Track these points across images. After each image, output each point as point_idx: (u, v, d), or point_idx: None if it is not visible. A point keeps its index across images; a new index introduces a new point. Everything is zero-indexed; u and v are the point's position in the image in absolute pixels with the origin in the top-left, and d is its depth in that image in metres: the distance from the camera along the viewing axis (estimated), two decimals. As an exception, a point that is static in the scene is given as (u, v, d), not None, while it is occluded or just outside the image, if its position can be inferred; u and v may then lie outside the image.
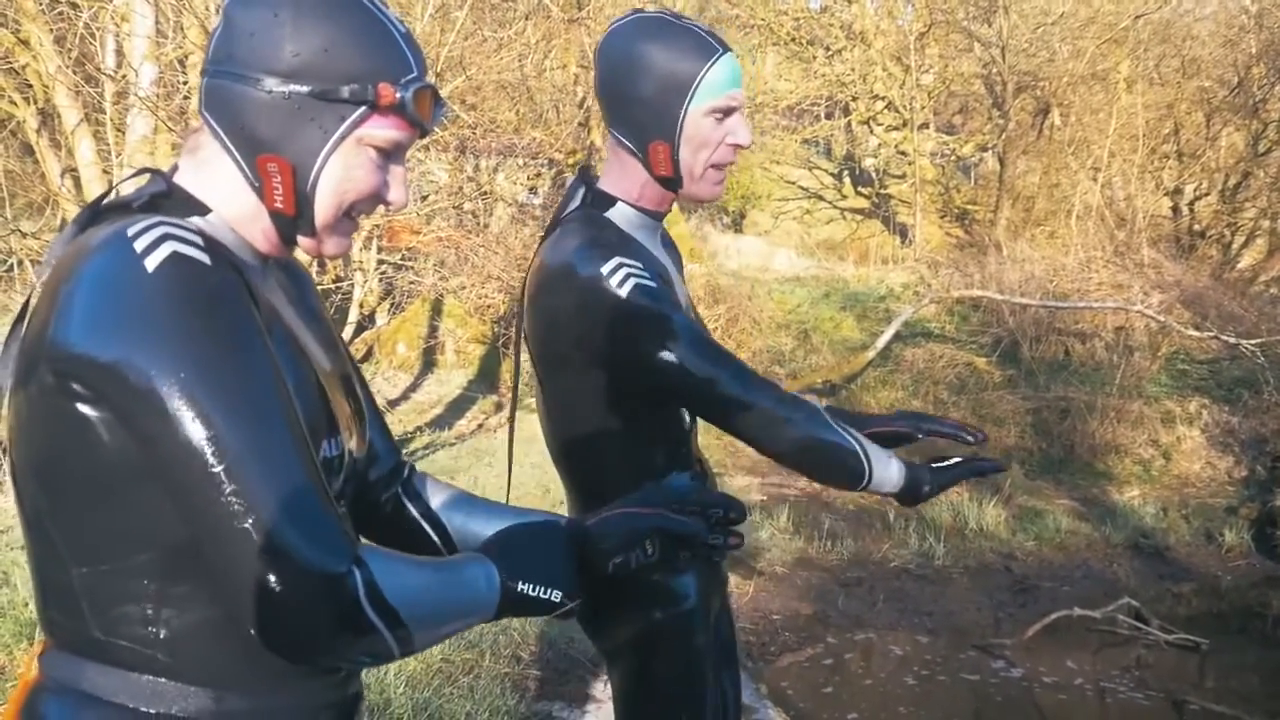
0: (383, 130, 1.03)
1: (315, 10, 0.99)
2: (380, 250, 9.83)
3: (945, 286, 11.86)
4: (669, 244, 1.78)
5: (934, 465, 1.59)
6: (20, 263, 7.21)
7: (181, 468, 0.88)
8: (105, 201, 1.01)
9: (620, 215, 1.61)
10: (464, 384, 9.90)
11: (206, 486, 0.87)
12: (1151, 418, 9.44)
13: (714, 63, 1.53)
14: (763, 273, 14.38)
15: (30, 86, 7.03)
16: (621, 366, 1.52)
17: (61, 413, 0.90)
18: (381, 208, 1.10)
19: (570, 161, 11.03)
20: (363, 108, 1.01)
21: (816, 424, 1.50)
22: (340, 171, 1.03)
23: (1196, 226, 14.81)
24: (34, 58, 6.49)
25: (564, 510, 1.71)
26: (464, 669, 3.60)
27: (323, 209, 1.04)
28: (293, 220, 1.04)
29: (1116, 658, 5.66)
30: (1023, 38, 15.50)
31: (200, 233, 0.95)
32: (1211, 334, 9.61)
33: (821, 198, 19.55)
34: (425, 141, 7.72)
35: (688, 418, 1.70)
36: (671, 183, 1.59)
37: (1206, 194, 14.96)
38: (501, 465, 7.15)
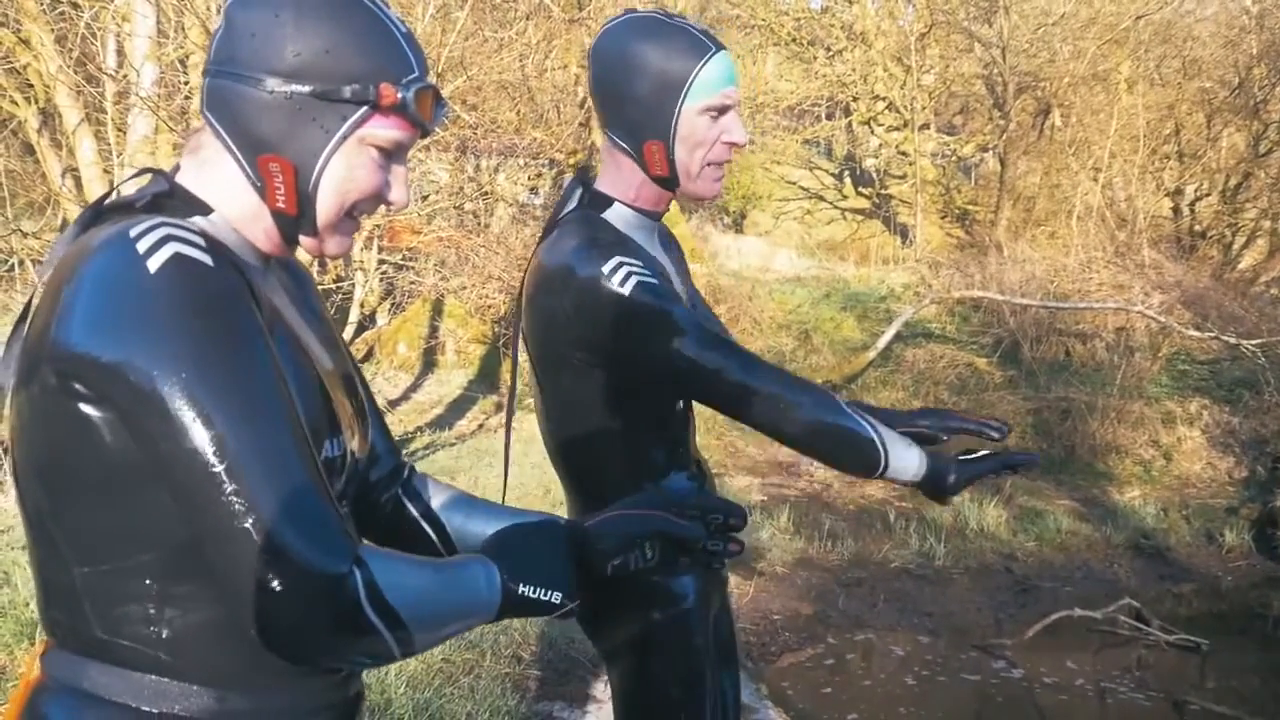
0: (384, 130, 1.03)
1: (317, 11, 1.00)
2: (381, 250, 9.83)
3: (946, 287, 11.86)
4: (671, 243, 1.78)
5: (961, 458, 1.56)
6: (21, 262, 7.21)
7: (183, 468, 0.88)
8: (107, 202, 1.01)
9: (617, 216, 1.61)
10: (464, 384, 9.90)
11: (207, 486, 0.87)
12: (1152, 418, 9.44)
13: (707, 61, 1.52)
14: (763, 273, 14.38)
15: (31, 86, 7.03)
16: (626, 365, 1.52)
17: (63, 413, 0.91)
18: (383, 207, 1.10)
19: (571, 162, 11.03)
20: (364, 108, 1.01)
21: (828, 408, 1.49)
22: (342, 171, 1.03)
23: (1197, 227, 14.81)
24: (35, 57, 6.49)
25: (564, 510, 1.71)
26: (465, 669, 3.60)
27: (324, 209, 1.04)
28: (295, 220, 1.04)
29: (1117, 658, 5.66)
30: (1023, 38, 15.50)
31: (202, 233, 0.95)
32: (1212, 334, 9.61)
33: (822, 198, 19.56)
34: (426, 142, 7.72)
35: (687, 418, 1.70)
36: (668, 182, 1.59)
37: (1207, 194, 14.96)
38: (502, 465, 7.12)
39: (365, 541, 1.09)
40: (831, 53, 17.14)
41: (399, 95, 1.01)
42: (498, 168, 11.20)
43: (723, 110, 1.55)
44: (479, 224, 10.95)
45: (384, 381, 9.60)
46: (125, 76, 6.40)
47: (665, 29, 1.53)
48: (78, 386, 0.89)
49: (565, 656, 4.00)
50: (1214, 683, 5.43)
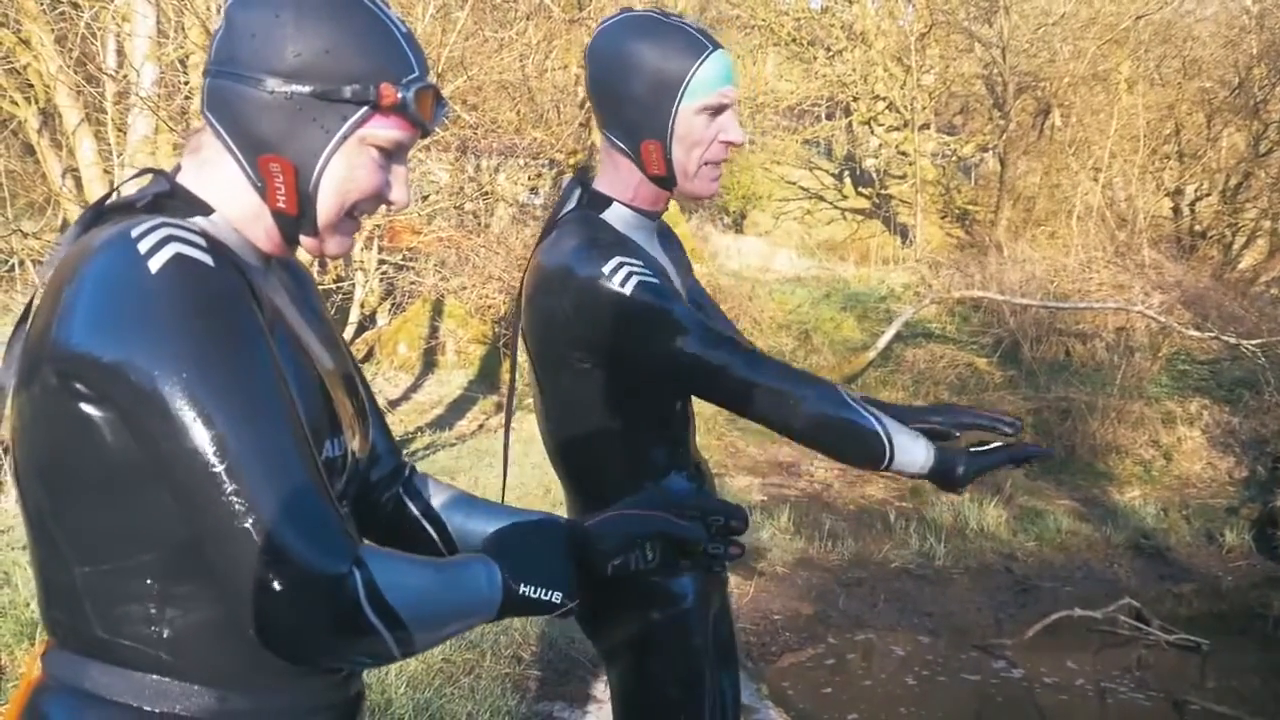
0: (384, 130, 1.03)
1: (317, 11, 1.00)
2: (381, 250, 9.83)
3: (946, 287, 11.86)
4: (671, 240, 1.78)
5: (972, 449, 1.57)
6: (21, 263, 7.21)
7: (183, 468, 0.88)
8: (109, 202, 1.01)
9: (616, 216, 1.61)
10: (465, 384, 9.90)
11: (208, 486, 0.87)
12: (1152, 418, 9.44)
13: (704, 60, 1.52)
14: (763, 273, 14.38)
15: (31, 86, 7.03)
16: (626, 365, 1.52)
17: (65, 413, 0.91)
18: (383, 207, 1.10)
19: (571, 162, 11.03)
20: (364, 108, 1.01)
21: (832, 401, 1.48)
22: (342, 171, 1.03)
23: (1197, 227, 14.81)
24: (35, 58, 6.49)
25: (564, 511, 1.71)
26: (465, 669, 3.60)
27: (325, 209, 1.04)
28: (295, 220, 1.04)
29: (1117, 658, 5.66)
30: (1023, 38, 15.50)
31: (203, 234, 0.95)
32: (1212, 334, 9.61)
33: (822, 198, 19.56)
34: (426, 142, 7.73)
35: (687, 418, 1.70)
36: (665, 182, 1.59)
37: (1207, 194, 14.96)
38: (502, 466, 7.12)
39: (366, 541, 1.09)
40: (831, 53, 17.14)
41: (399, 95, 1.02)
42: (498, 168, 11.20)
43: (720, 109, 1.55)
44: (479, 224, 10.95)
45: (384, 382, 9.60)
46: (125, 76, 6.40)
47: (662, 28, 1.53)
48: (79, 386, 0.89)
49: (565, 657, 4.00)
50: (1214, 683, 5.43)
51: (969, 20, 16.58)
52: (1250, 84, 14.13)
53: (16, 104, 6.98)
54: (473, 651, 3.74)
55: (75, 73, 6.40)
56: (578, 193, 1.64)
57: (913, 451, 1.51)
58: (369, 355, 10.30)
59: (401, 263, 10.11)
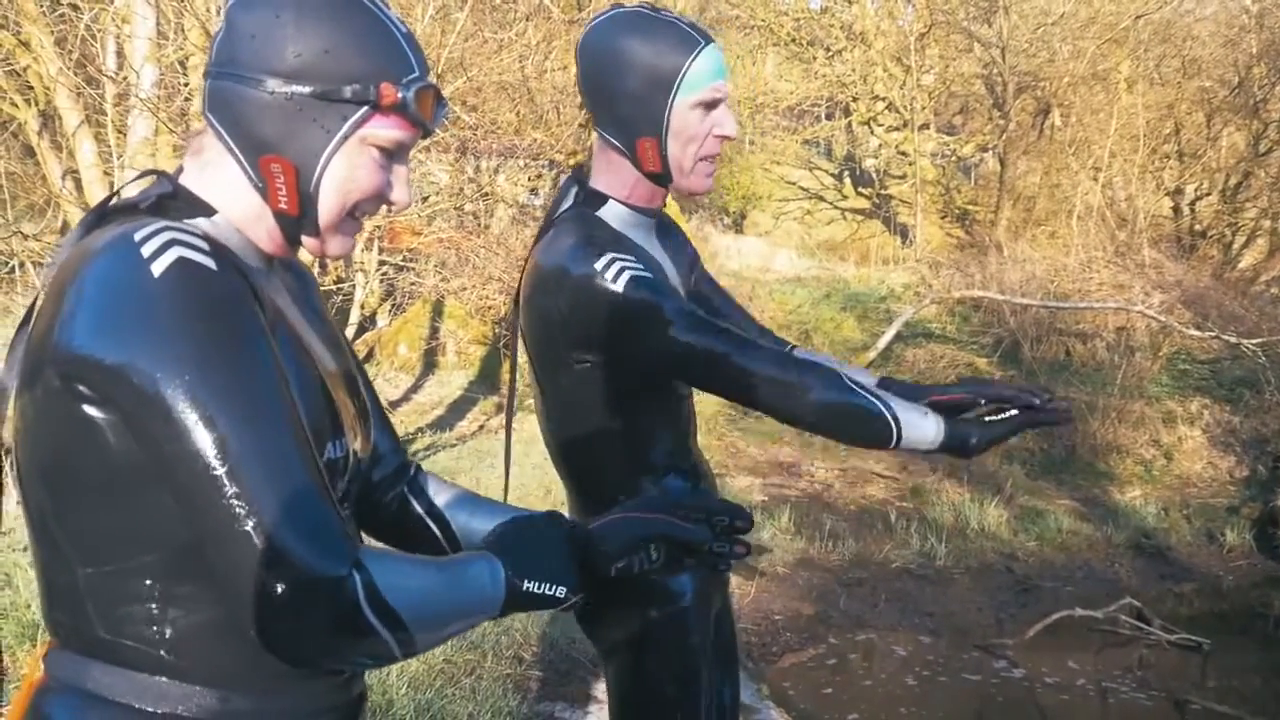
0: (385, 130, 1.03)
1: (317, 11, 1.00)
2: (381, 251, 9.83)
3: (946, 287, 11.86)
4: (675, 236, 1.77)
5: (987, 419, 1.55)
6: (22, 265, 7.22)
7: (185, 470, 0.88)
8: (112, 204, 1.01)
9: (612, 213, 1.60)
10: (465, 385, 9.90)
11: (209, 489, 0.87)
12: (1153, 418, 9.44)
13: (697, 55, 1.51)
14: (764, 273, 14.38)
15: (31, 88, 7.04)
16: (625, 362, 1.52)
17: (67, 415, 0.91)
18: (384, 208, 1.10)
19: (570, 163, 11.03)
20: (365, 108, 1.01)
21: (834, 387, 1.48)
22: (343, 171, 1.03)
23: (1197, 226, 14.81)
24: (35, 60, 6.49)
25: (565, 511, 1.71)
26: (466, 670, 3.60)
27: (326, 209, 1.04)
28: (297, 220, 1.04)
29: (1118, 658, 5.66)
30: (1023, 38, 15.51)
31: (205, 236, 0.95)
32: (1213, 334, 9.60)
33: (822, 198, 19.56)
34: (426, 142, 7.72)
35: (687, 416, 1.70)
36: (661, 178, 1.58)
37: (1207, 194, 14.97)
38: (502, 466, 7.13)
39: (369, 542, 1.09)
40: (831, 53, 17.15)
41: (399, 95, 1.02)
42: (498, 169, 11.20)
43: (714, 104, 1.55)
44: (479, 225, 10.95)
45: (385, 382, 9.60)
46: (125, 78, 6.41)
47: (653, 23, 1.52)
48: (81, 388, 0.90)
49: (567, 657, 4.00)
50: (1215, 682, 5.43)
51: (968, 20, 16.59)
52: (1250, 83, 14.13)
53: (17, 106, 6.98)
54: (474, 652, 3.74)
55: (75, 74, 6.40)
56: (574, 191, 1.64)
57: (921, 428, 1.50)
58: (369, 356, 10.30)
59: (402, 264, 10.11)
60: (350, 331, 9.35)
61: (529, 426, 1.96)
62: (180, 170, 1.07)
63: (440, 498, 1.29)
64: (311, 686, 1.04)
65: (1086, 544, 7.37)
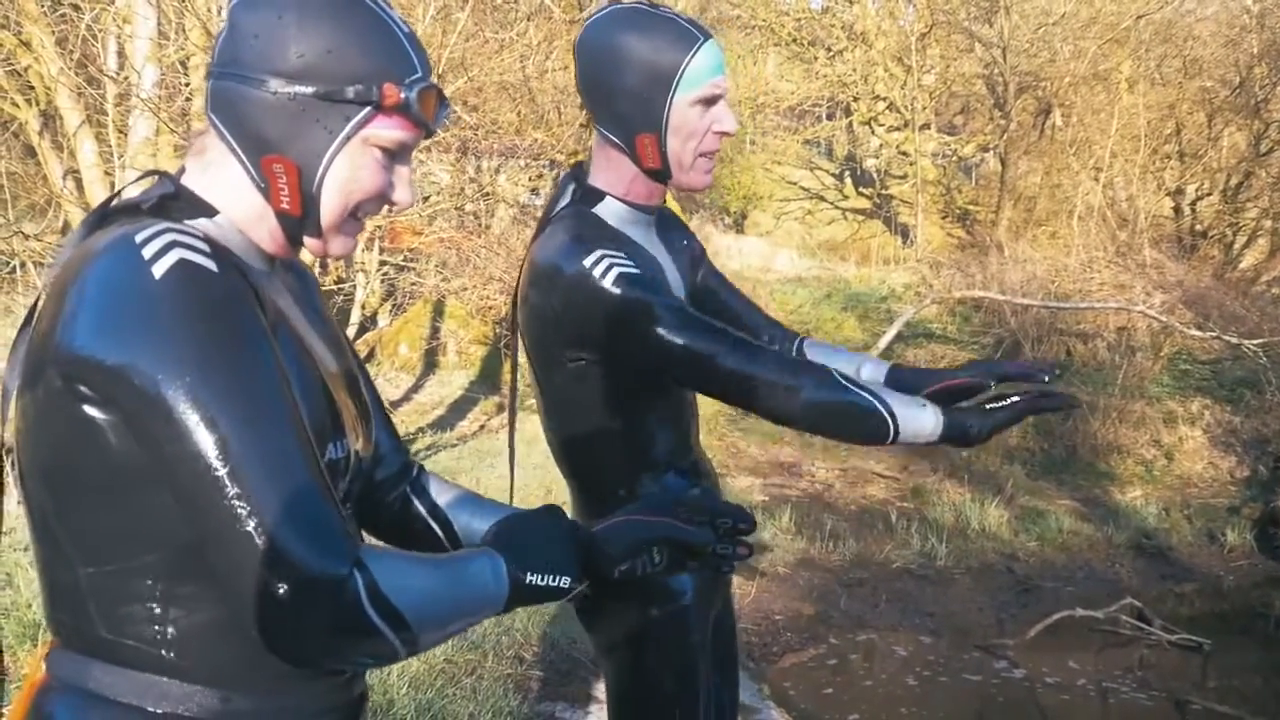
0: (388, 131, 1.03)
1: (319, 12, 1.00)
2: (382, 251, 9.84)
3: (947, 287, 11.86)
4: (676, 232, 1.76)
5: (986, 405, 1.53)
6: (23, 265, 7.22)
7: (186, 470, 0.88)
8: (114, 204, 1.01)
9: (609, 210, 1.60)
10: (466, 385, 9.90)
11: (211, 489, 0.88)
12: (1154, 418, 9.44)
13: (696, 51, 1.51)
14: (764, 273, 14.38)
15: (32, 88, 7.04)
16: (619, 359, 1.51)
17: (69, 415, 0.91)
18: (385, 208, 1.10)
19: (571, 163, 11.02)
20: (367, 108, 1.01)
21: (827, 386, 1.46)
22: (346, 172, 1.03)
23: (1198, 227, 14.80)
24: (36, 60, 6.49)
25: (567, 511, 1.71)
26: (467, 670, 3.61)
27: (329, 209, 1.04)
28: (299, 221, 1.04)
29: (1119, 658, 5.66)
30: (1024, 38, 15.51)
31: (206, 237, 0.95)
32: (1213, 334, 9.60)
33: (823, 198, 19.56)
34: (427, 142, 7.72)
35: (687, 414, 1.69)
36: (660, 174, 1.58)
37: (1208, 194, 14.96)
38: (503, 466, 7.15)
39: (372, 541, 1.09)
40: (832, 53, 17.15)
41: (402, 95, 1.02)
42: (498, 169, 11.20)
43: (713, 100, 1.54)
44: (480, 225, 10.95)
45: (385, 382, 9.60)
46: (126, 78, 6.41)
47: (652, 20, 1.52)
48: (82, 389, 0.90)
49: (568, 657, 4.00)
50: (1216, 682, 5.43)
51: (969, 20, 16.59)
52: (1251, 83, 14.13)
53: (18, 106, 6.98)
54: (475, 652, 3.75)
55: (76, 75, 6.40)
56: (571, 188, 1.64)
57: (919, 420, 1.48)
58: (370, 355, 10.31)
59: (402, 264, 10.12)
60: (351, 331, 9.35)
61: (529, 426, 1.96)
62: (182, 171, 1.07)
63: (442, 498, 1.29)
64: (313, 687, 1.04)
65: (1087, 544, 7.37)
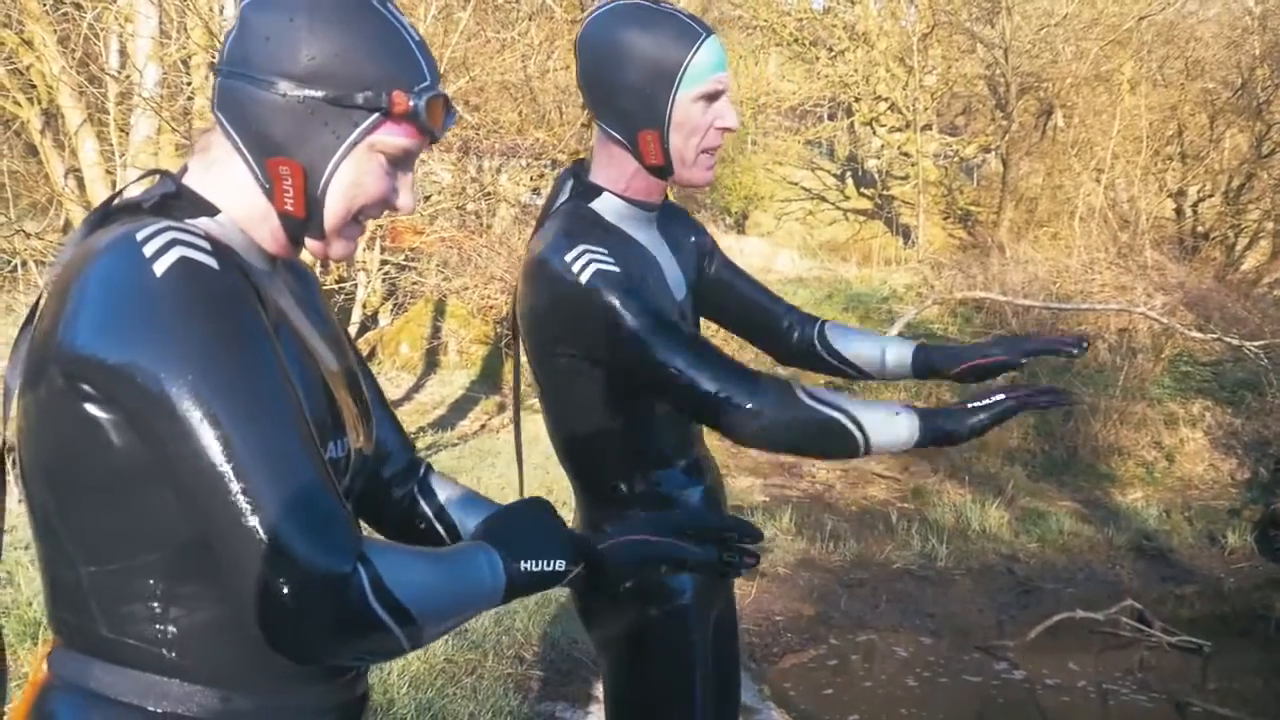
0: (394, 138, 1.03)
1: (331, 16, 1.00)
2: (384, 251, 9.84)
3: (948, 288, 11.85)
4: (681, 227, 1.75)
5: (971, 405, 1.47)
6: (24, 263, 7.22)
7: (189, 468, 0.88)
8: (115, 203, 1.01)
9: (607, 206, 1.60)
10: (467, 384, 9.91)
11: (214, 487, 0.88)
12: (1154, 420, 9.43)
13: (699, 47, 1.51)
14: (765, 274, 14.37)
15: (34, 87, 7.04)
16: (596, 355, 1.50)
17: (71, 414, 0.91)
18: (386, 210, 1.11)
19: (572, 162, 11.02)
20: (376, 114, 1.02)
21: (788, 405, 1.43)
22: (351, 176, 1.03)
23: (1200, 228, 14.79)
24: (38, 58, 6.50)
25: (568, 511, 1.71)
26: (467, 669, 3.61)
27: (332, 213, 1.04)
28: (302, 223, 1.05)
29: (1119, 660, 5.66)
30: (1026, 39, 15.50)
31: (207, 236, 0.96)
32: (1215, 336, 9.59)
33: (824, 199, 19.55)
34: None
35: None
36: (662, 171, 1.58)
37: (1210, 196, 14.95)
38: (504, 465, 7.16)
39: (375, 536, 1.09)
40: (834, 53, 17.14)
41: (411, 103, 1.02)
42: (500, 168, 11.20)
43: (715, 96, 1.54)
44: (481, 224, 10.96)
45: (386, 382, 9.61)
46: (128, 77, 6.41)
47: (653, 16, 1.52)
48: (85, 388, 0.90)
49: (568, 657, 4.00)
50: (1216, 684, 5.42)
51: (971, 21, 16.58)
52: (1253, 85, 14.12)
53: (19, 104, 6.99)
54: (475, 651, 3.75)
55: (78, 73, 6.41)
56: (570, 184, 1.64)
57: (892, 430, 1.45)
58: (371, 355, 10.31)
59: (404, 263, 10.13)
60: (353, 330, 9.36)
61: (530, 426, 1.96)
62: (184, 169, 1.07)
63: (449, 499, 1.30)
64: (314, 686, 1.04)
65: (1088, 546, 7.37)
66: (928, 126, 17.07)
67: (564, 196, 1.63)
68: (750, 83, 17.46)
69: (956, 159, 18.04)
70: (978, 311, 11.87)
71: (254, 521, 0.87)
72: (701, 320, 1.82)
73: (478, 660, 3.69)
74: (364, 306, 9.91)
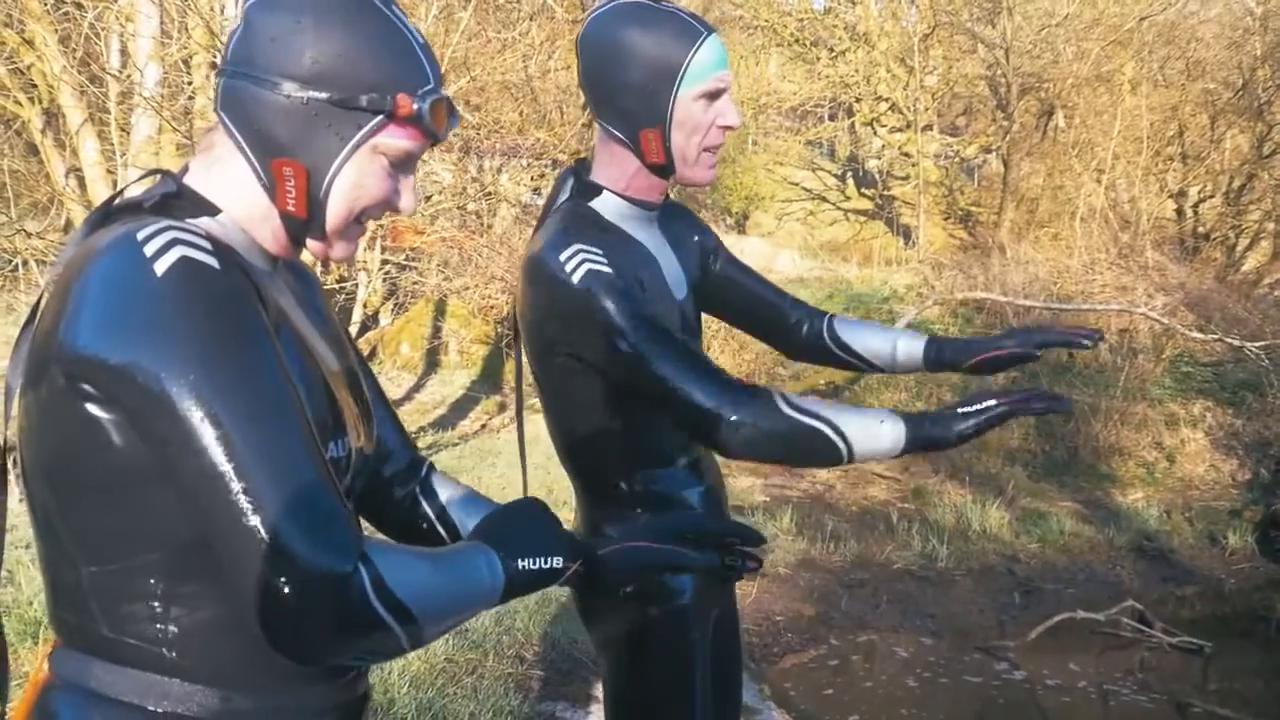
0: (398, 140, 1.04)
1: (337, 18, 1.00)
2: (384, 250, 9.85)
3: (949, 288, 11.85)
4: (683, 228, 1.75)
5: (961, 410, 1.42)
6: (25, 262, 7.22)
7: (190, 468, 0.88)
8: (116, 203, 1.01)
9: (606, 205, 1.60)
10: (467, 384, 9.91)
11: (215, 486, 0.88)
12: (1155, 420, 9.43)
13: (700, 46, 1.51)
14: (766, 274, 14.11)
15: (35, 86, 7.05)
16: (590, 355, 1.50)
17: (72, 414, 0.91)
18: (388, 211, 1.11)
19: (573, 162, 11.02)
20: (380, 117, 1.02)
21: (771, 415, 1.41)
22: (353, 178, 1.03)
23: (1201, 229, 14.79)
24: (39, 58, 6.50)
25: (568, 511, 1.71)
26: (467, 669, 3.61)
27: (334, 214, 1.05)
28: (303, 223, 1.05)
29: (1120, 660, 5.65)
30: (1027, 39, 15.49)
31: (208, 235, 0.96)
32: (1215, 337, 9.59)
33: (825, 199, 19.55)
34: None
35: None
36: (664, 170, 1.58)
37: (1211, 196, 14.94)
38: (504, 465, 7.16)
39: (377, 535, 1.09)
40: (834, 54, 17.13)
41: (415, 106, 1.02)
42: (501, 168, 11.21)
43: (717, 94, 1.54)
44: (482, 224, 10.97)
45: (387, 382, 9.61)
46: (129, 77, 6.42)
47: (654, 14, 1.52)
48: (86, 388, 0.90)
49: (568, 657, 4.00)
50: (1217, 685, 5.42)
51: (972, 21, 16.57)
52: (1254, 85, 14.11)
53: (20, 104, 6.99)
54: (476, 651, 3.75)
55: (79, 73, 6.41)
56: (570, 183, 1.64)
57: (876, 439, 1.41)
58: (372, 355, 10.32)
59: (404, 263, 10.13)
60: (353, 330, 9.37)
61: (530, 426, 1.96)
62: (186, 169, 1.07)
63: (451, 500, 1.30)
64: (315, 686, 1.04)
65: (1088, 546, 7.37)
66: (928, 127, 17.07)
67: (564, 195, 1.63)
68: (751, 83, 17.45)
69: (957, 159, 18.03)
70: (978, 312, 11.86)
71: (255, 521, 0.87)
72: (705, 318, 1.82)
73: (478, 660, 3.69)
74: (365, 306, 9.92)
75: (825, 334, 1.86)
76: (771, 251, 16.07)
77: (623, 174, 1.60)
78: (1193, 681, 5.46)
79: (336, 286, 8.44)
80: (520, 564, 1.03)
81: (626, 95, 1.53)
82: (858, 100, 17.33)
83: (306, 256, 1.14)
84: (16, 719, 1.01)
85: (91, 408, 0.90)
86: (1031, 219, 15.72)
